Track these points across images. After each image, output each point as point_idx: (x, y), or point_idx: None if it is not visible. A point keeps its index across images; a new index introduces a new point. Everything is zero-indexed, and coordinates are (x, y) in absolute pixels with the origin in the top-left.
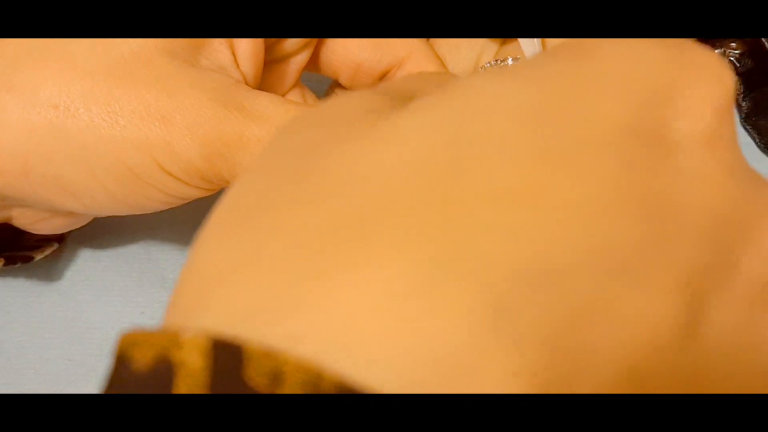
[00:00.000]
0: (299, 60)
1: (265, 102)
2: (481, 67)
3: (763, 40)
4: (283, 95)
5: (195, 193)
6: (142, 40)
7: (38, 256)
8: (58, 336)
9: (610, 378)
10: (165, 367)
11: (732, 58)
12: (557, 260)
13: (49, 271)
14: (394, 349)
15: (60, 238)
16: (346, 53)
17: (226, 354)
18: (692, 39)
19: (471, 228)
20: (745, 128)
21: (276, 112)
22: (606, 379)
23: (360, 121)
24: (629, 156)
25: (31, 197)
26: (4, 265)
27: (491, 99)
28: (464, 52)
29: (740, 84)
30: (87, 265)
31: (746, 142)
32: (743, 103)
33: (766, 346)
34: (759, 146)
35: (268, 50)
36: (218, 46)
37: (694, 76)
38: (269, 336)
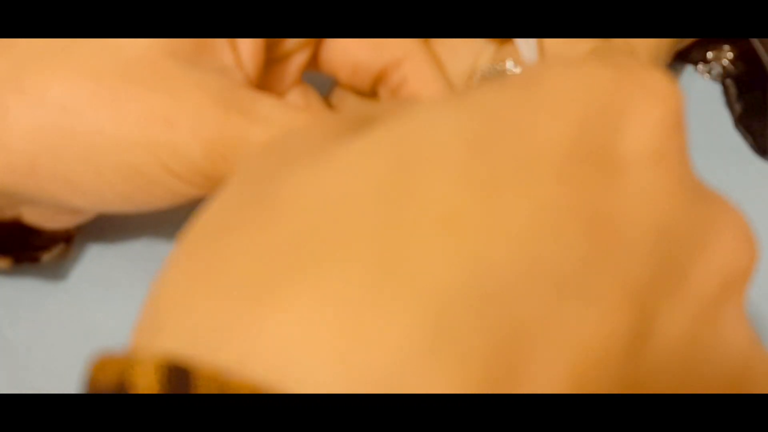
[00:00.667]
0: (300, 59)
1: (267, 105)
2: (479, 71)
3: (757, 43)
4: (284, 93)
5: (198, 192)
6: (147, 43)
7: (45, 256)
8: (64, 335)
9: (558, 392)
10: (121, 390)
11: (725, 61)
12: (497, 280)
13: (56, 270)
14: (337, 369)
15: (67, 238)
16: (345, 53)
17: (176, 376)
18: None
19: (411, 250)
20: (738, 131)
21: (277, 116)
22: (554, 392)
23: (315, 148)
24: (572, 176)
25: (40, 195)
26: (12, 264)
27: (434, 126)
28: (462, 54)
29: (733, 87)
30: (94, 265)
31: (740, 145)
32: (736, 106)
33: (715, 357)
34: (752, 149)
35: (268, 49)
36: (221, 46)
37: (640, 96)
38: (217, 358)
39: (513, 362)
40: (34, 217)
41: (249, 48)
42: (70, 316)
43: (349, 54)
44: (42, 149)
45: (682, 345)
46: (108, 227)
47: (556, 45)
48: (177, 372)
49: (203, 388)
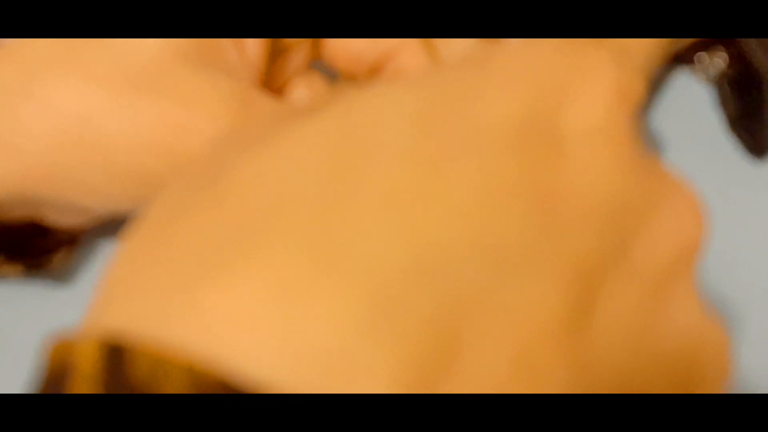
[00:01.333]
0: (305, 48)
1: (274, 109)
2: None
3: (750, 45)
4: (290, 83)
5: None
6: (156, 46)
7: (50, 260)
8: None
9: (501, 366)
10: (62, 371)
11: (720, 63)
12: (438, 256)
13: (62, 279)
14: (276, 349)
15: (72, 242)
16: (342, 42)
17: (115, 357)
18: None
19: (352, 229)
20: (733, 132)
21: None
22: (496, 367)
23: (266, 132)
24: (518, 152)
25: (54, 198)
26: (23, 272)
27: (379, 105)
28: (457, 44)
29: (727, 89)
30: (99, 266)
31: (734, 145)
32: (730, 108)
33: (665, 334)
34: (746, 150)
35: (272, 43)
36: (227, 45)
37: (585, 73)
38: (158, 336)
39: (453, 338)
40: (48, 217)
41: (254, 47)
42: (74, 318)
43: (347, 43)
44: (55, 155)
45: (629, 322)
46: (114, 230)
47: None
48: (115, 351)
49: (140, 367)
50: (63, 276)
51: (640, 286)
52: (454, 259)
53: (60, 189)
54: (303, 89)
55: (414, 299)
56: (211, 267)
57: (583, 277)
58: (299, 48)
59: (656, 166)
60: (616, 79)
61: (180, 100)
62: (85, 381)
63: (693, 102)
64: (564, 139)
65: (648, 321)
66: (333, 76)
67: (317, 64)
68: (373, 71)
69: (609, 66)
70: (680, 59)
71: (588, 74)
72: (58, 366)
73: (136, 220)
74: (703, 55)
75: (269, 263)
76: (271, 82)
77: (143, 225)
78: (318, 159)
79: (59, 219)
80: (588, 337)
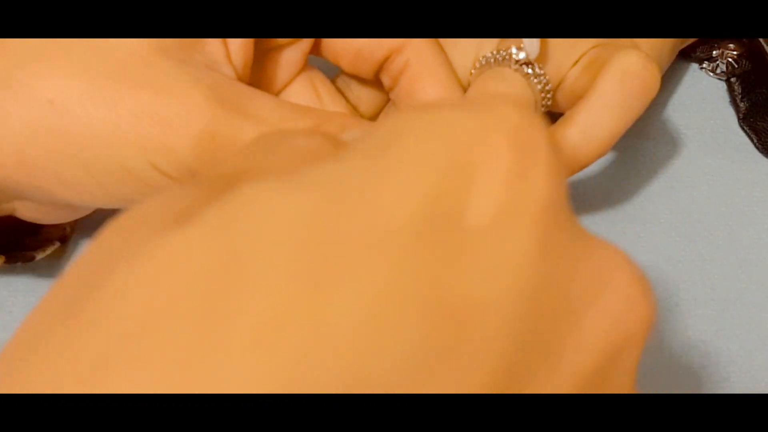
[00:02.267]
0: (303, 46)
1: (260, 103)
2: (482, 57)
3: (762, 41)
4: (289, 82)
5: None
6: (139, 40)
7: (40, 256)
8: None
9: None
10: None
11: (730, 59)
12: (319, 390)
13: (51, 271)
14: None
15: (63, 238)
16: (346, 40)
17: None
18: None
19: (219, 364)
20: (743, 129)
21: (271, 115)
22: None
23: (147, 235)
24: (415, 257)
25: (30, 190)
26: (5, 263)
27: (266, 209)
28: (464, 41)
29: (738, 85)
30: None
31: (745, 143)
32: (741, 104)
33: None
34: (757, 147)
35: (267, 39)
36: (211, 41)
37: (489, 149)
38: None
39: None
40: (28, 212)
41: (239, 43)
42: None
43: (348, 41)
44: (30, 144)
45: None
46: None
47: (558, 43)
48: None
49: None
50: (50, 274)
51: (571, 388)
52: (338, 391)
53: (37, 180)
54: (300, 86)
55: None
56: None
57: (497, 382)
58: (295, 45)
59: (589, 239)
60: (527, 144)
61: (161, 91)
62: None
63: (701, 99)
64: (468, 231)
65: None
66: (333, 70)
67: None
68: (378, 69)
69: (520, 132)
70: (689, 55)
71: (493, 149)
72: None
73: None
74: (713, 51)
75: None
76: (265, 78)
77: (30, 318)
78: (192, 276)
79: (40, 214)
80: None
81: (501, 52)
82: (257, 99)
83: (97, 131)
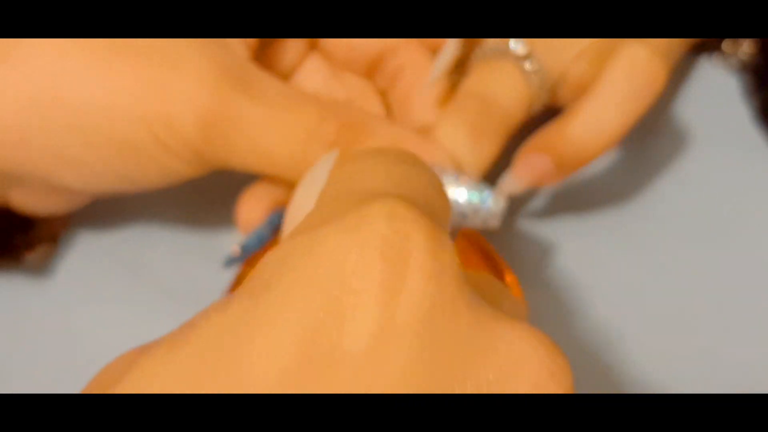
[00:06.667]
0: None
1: (269, 85)
2: (481, 49)
3: None
4: (301, 60)
5: (189, 171)
6: None
7: (30, 257)
8: (47, 339)
9: None
10: None
11: (742, 54)
12: None
13: (40, 274)
14: None
15: (52, 239)
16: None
17: None
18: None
19: None
20: (757, 125)
21: (278, 98)
22: None
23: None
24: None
25: (30, 171)
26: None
27: (149, 379)
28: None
29: (751, 81)
30: (78, 268)
31: (756, 139)
32: (754, 100)
33: None
34: None
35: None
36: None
37: (363, 268)
38: None
39: None
40: (23, 200)
41: None
42: (53, 321)
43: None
44: (31, 120)
45: None
46: (94, 230)
47: (558, 43)
48: None
49: None
50: (41, 271)
51: None
52: None
53: (36, 160)
54: (307, 72)
55: None
56: None
57: None
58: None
59: (493, 335)
60: (392, 263)
61: (166, 63)
62: None
63: (714, 94)
64: (347, 358)
65: None
66: None
67: None
68: (372, 69)
69: (384, 248)
70: (701, 50)
71: (361, 270)
72: None
73: None
74: (729, 44)
75: None
76: (273, 60)
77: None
78: None
79: (38, 204)
80: None
81: (499, 46)
82: (264, 81)
83: (97, 101)
